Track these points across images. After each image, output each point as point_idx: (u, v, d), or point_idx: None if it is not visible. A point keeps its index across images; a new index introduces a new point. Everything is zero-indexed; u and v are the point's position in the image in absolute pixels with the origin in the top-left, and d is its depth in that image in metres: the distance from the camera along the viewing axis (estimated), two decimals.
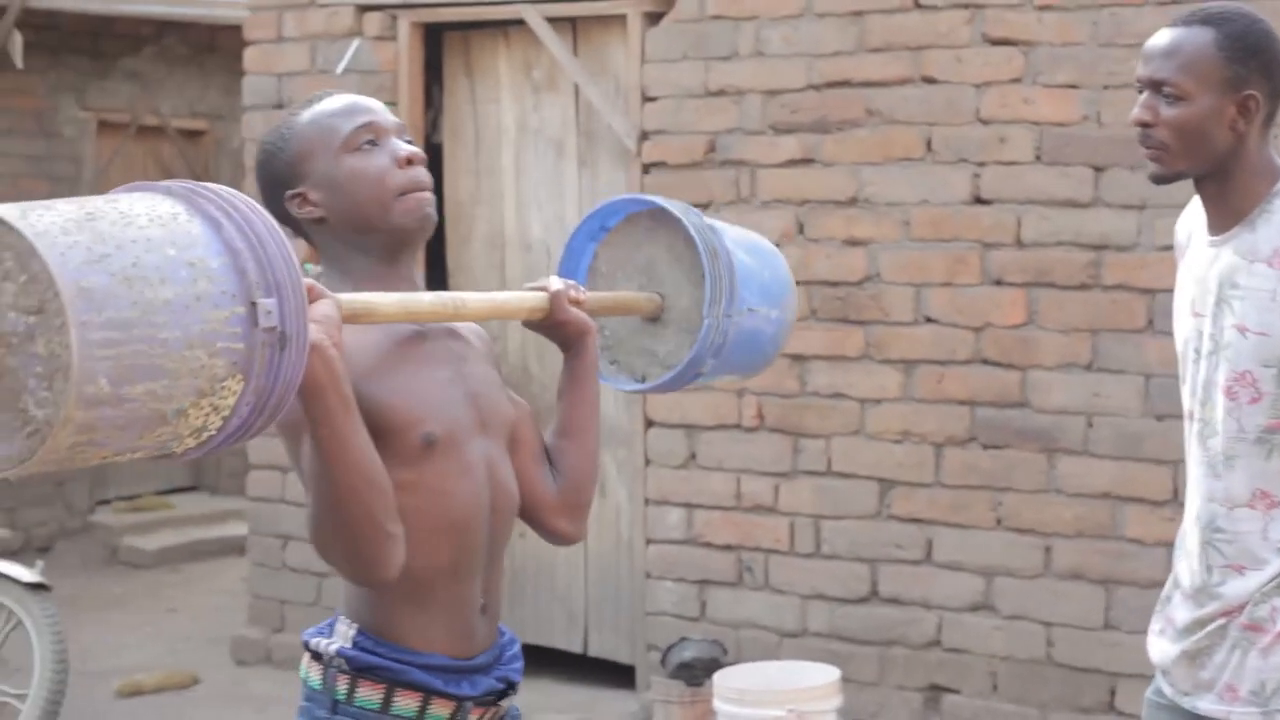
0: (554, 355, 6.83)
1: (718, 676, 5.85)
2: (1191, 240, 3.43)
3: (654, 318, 3.16)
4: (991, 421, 6.24)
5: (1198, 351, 3.31)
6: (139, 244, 2.06)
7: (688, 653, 6.47)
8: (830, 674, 5.68)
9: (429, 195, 2.75)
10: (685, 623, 6.78)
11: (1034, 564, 6.17)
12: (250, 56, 7.94)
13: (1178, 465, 5.88)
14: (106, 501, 11.01)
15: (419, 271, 2.91)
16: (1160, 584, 5.88)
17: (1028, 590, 6.18)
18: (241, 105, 8.05)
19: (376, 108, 2.78)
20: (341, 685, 2.65)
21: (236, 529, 9.95)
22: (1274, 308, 3.16)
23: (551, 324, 2.91)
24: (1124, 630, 5.99)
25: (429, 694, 2.65)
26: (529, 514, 2.90)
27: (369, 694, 2.65)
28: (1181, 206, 3.54)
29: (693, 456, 6.80)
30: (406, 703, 2.65)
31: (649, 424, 6.88)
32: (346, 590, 2.72)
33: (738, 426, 6.70)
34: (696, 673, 6.39)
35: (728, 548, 6.74)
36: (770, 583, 6.65)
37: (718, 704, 5.60)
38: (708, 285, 3.06)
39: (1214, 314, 3.26)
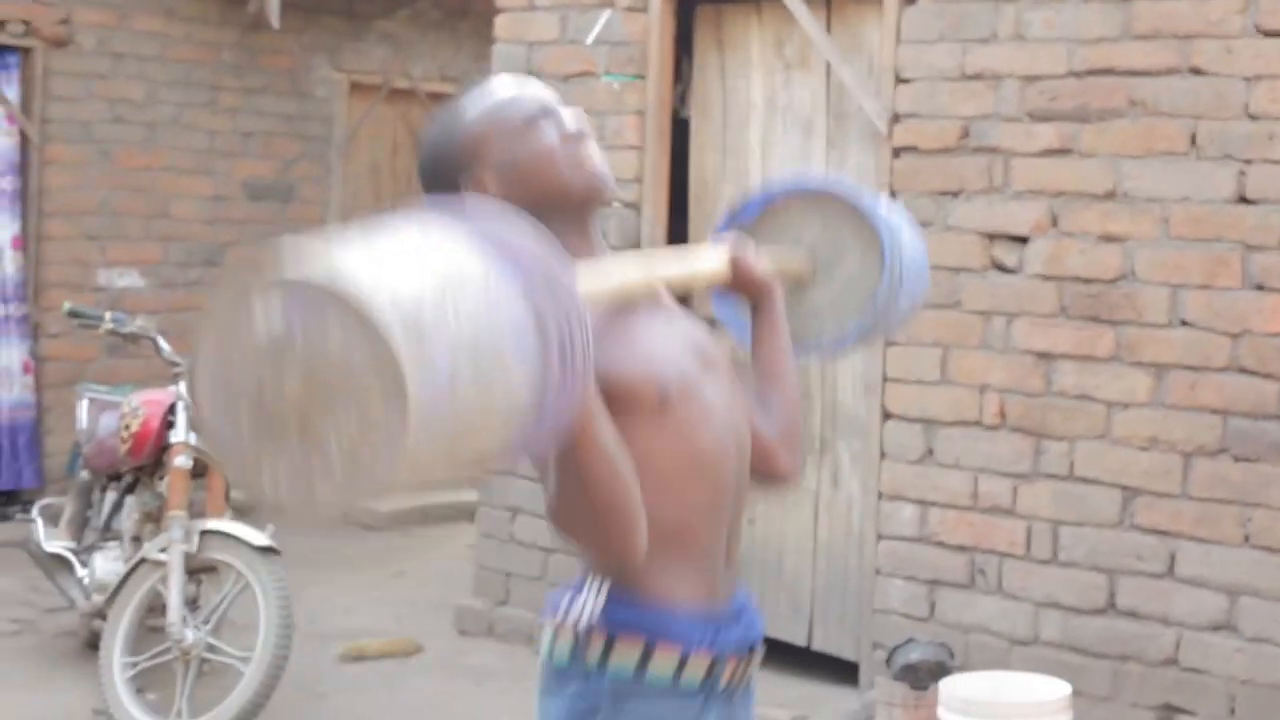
0: None
1: (944, 684, 5.65)
2: None
3: (804, 283, 3.34)
4: (1245, 433, 5.93)
5: None
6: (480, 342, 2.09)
7: (914, 654, 6.28)
8: (1061, 689, 5.43)
9: (597, 157, 2.81)
10: (913, 623, 6.58)
11: None
12: (501, 24, 7.90)
13: None
14: None
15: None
16: None
17: (1274, 612, 5.87)
18: (491, 72, 8.00)
19: (543, 90, 2.86)
20: (594, 649, 2.64)
21: (469, 495, 9.94)
22: None
23: (740, 285, 3.08)
24: None
25: (685, 652, 2.65)
26: (752, 456, 2.93)
27: (625, 654, 2.64)
28: None
29: (930, 452, 6.59)
30: (664, 663, 2.64)
31: (886, 416, 6.69)
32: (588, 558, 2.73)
33: (978, 424, 6.47)
34: (922, 676, 6.20)
35: (961, 548, 6.52)
36: (1003, 587, 6.43)
37: (943, 712, 5.40)
38: (878, 228, 3.28)
39: None
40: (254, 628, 6.30)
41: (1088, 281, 6.24)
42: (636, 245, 7.33)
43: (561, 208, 2.76)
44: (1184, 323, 6.06)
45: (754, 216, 3.40)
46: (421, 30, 11.47)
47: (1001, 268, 6.42)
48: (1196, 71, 6.05)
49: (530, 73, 7.69)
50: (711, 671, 2.68)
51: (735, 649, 2.73)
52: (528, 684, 7.06)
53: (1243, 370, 5.95)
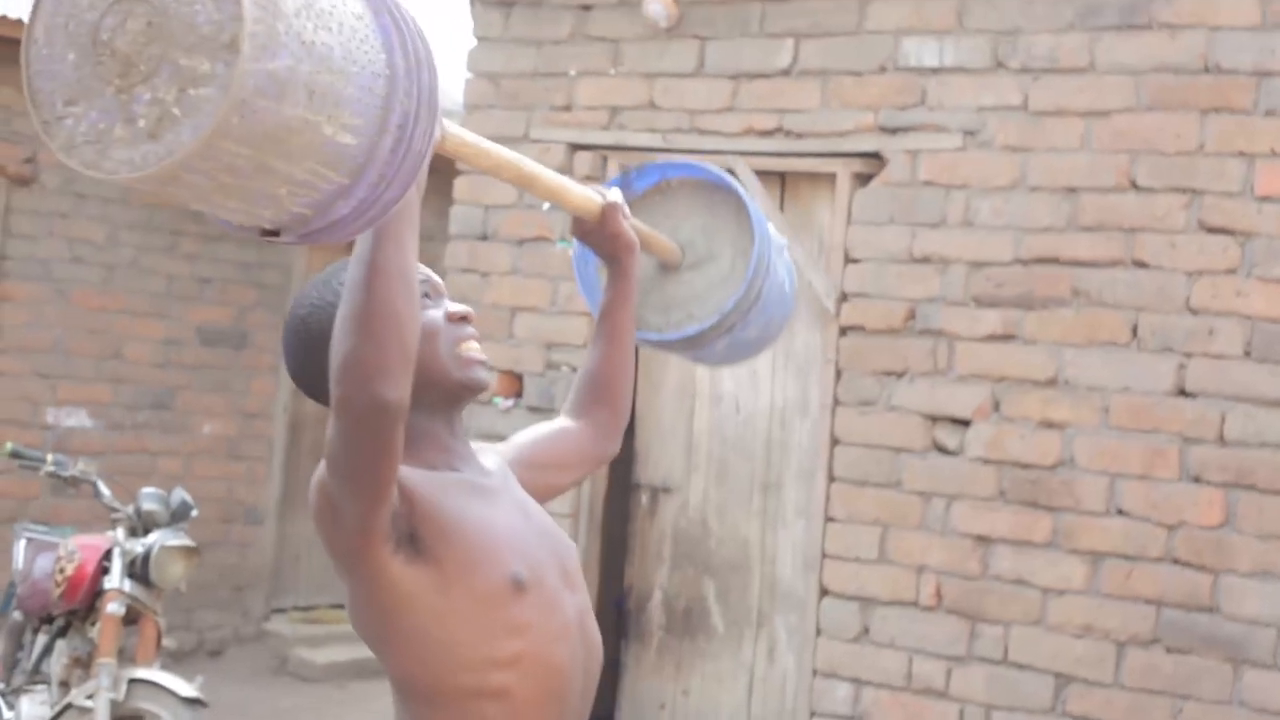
0: (733, 511, 6.68)
1: None
2: None
3: (672, 267, 3.33)
4: (1178, 624, 5.96)
5: None
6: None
7: None
8: None
9: (477, 347, 2.71)
10: None
11: None
12: (460, 186, 7.98)
13: None
14: (283, 610, 11.04)
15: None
16: None
17: None
18: (451, 231, 8.07)
19: (429, 273, 2.74)
20: None
21: None
22: None
23: (604, 234, 3.07)
24: None
25: None
26: (587, 465, 3.04)
27: None
28: None
29: (866, 630, 6.60)
30: None
31: (824, 593, 6.70)
32: None
33: (915, 604, 6.49)
34: None
35: None
36: None
37: None
38: (755, 236, 3.24)
39: None
40: None
41: (1027, 467, 6.29)
42: None
43: (432, 390, 2.65)
44: (1121, 512, 6.10)
45: (645, 188, 3.39)
46: None
47: (943, 449, 6.47)
48: (1140, 264, 6.15)
49: (486, 235, 7.76)
50: None
51: None
52: None
53: (1177, 562, 5.99)
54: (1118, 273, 6.19)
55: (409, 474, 2.54)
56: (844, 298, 6.75)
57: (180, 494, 6.70)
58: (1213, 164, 6.04)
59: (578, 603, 2.68)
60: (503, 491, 2.69)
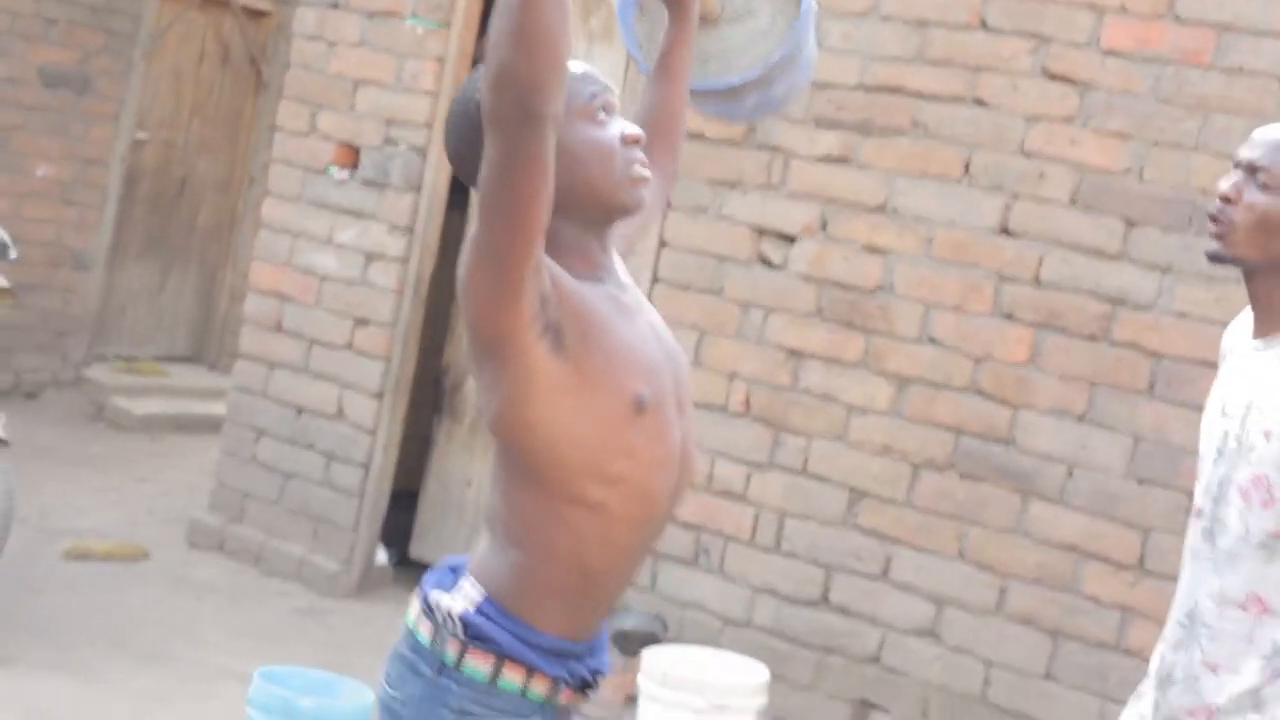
0: None
1: (647, 653, 5.81)
2: (1236, 342, 3.44)
3: (711, 20, 3.36)
4: (973, 453, 6.18)
5: (1220, 451, 3.30)
6: None
7: (627, 622, 6.45)
8: (760, 674, 5.63)
9: (650, 177, 2.76)
10: (634, 591, 6.74)
11: (987, 601, 6.12)
12: None
13: (1149, 532, 5.84)
14: (104, 359, 11.00)
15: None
16: (1107, 646, 5.88)
17: (975, 626, 6.13)
18: None
19: (609, 84, 2.78)
20: (452, 650, 2.64)
21: (223, 409, 9.91)
22: None
23: None
24: (1063, 684, 5.95)
25: (530, 672, 2.65)
26: (656, 215, 3.15)
27: (479, 664, 2.64)
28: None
29: None
30: (513, 677, 2.64)
31: None
32: (487, 552, 2.71)
33: (723, 409, 6.64)
34: (632, 643, 6.37)
35: (689, 526, 6.69)
36: (724, 569, 6.62)
37: (641, 679, 5.56)
38: (802, 17, 3.32)
39: (1243, 415, 3.26)
40: None
41: (846, 288, 6.43)
42: (418, 190, 7.39)
43: (593, 206, 2.71)
44: (932, 340, 6.28)
45: None
46: None
47: (767, 263, 6.59)
48: (980, 103, 6.27)
49: (337, 4, 7.71)
50: (553, 692, 2.67)
51: (578, 682, 2.74)
52: (248, 604, 7.14)
53: (980, 393, 6.18)
54: (958, 109, 6.31)
55: (561, 272, 2.63)
56: None
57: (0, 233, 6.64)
58: (1063, 13, 6.14)
59: (685, 428, 2.79)
60: (640, 310, 2.78)
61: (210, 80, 11.37)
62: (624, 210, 2.73)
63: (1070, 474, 6.00)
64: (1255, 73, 5.79)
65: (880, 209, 6.40)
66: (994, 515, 6.13)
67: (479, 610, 2.64)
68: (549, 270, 2.59)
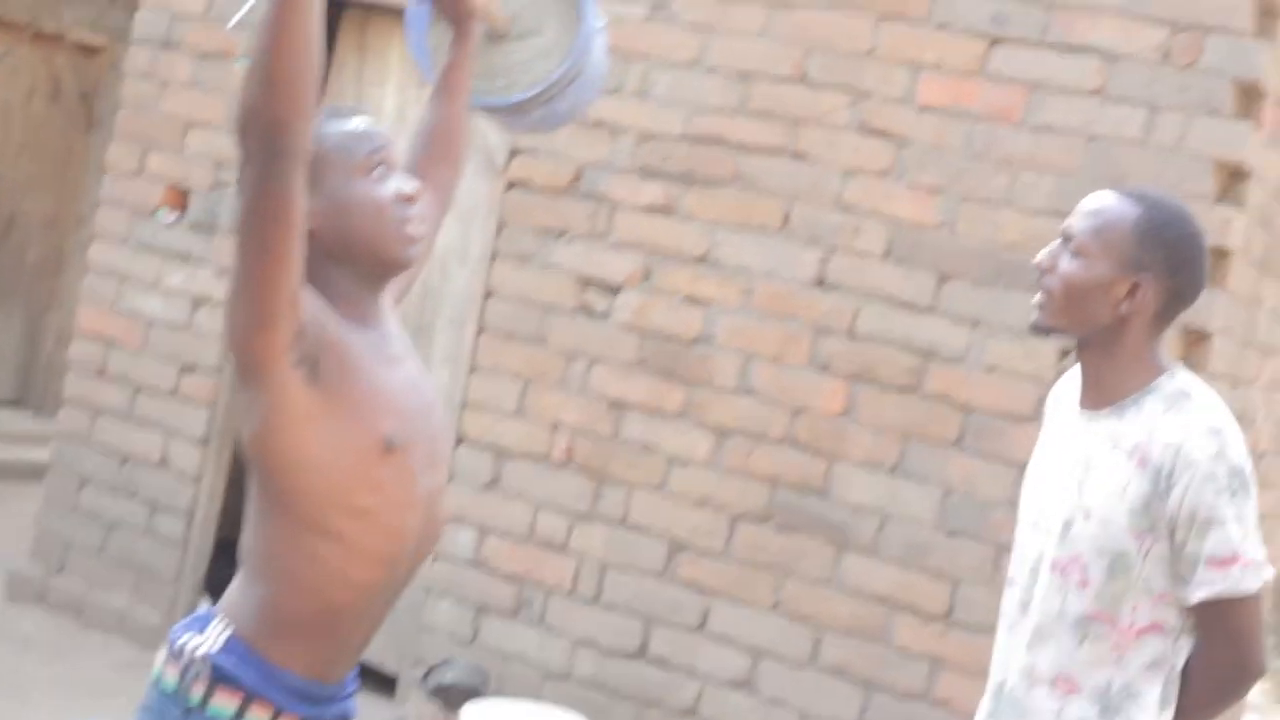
0: None
1: (468, 708, 5.79)
2: (1060, 406, 3.43)
3: (499, 36, 3.44)
4: (790, 505, 6.21)
5: (1036, 525, 3.31)
6: None
7: (449, 675, 6.42)
8: None
9: (420, 227, 2.86)
10: (457, 644, 6.72)
11: (802, 653, 6.15)
12: None
13: (958, 583, 5.90)
14: None
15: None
16: (916, 696, 5.93)
17: (791, 678, 6.16)
18: (135, 35, 7.91)
19: (389, 140, 2.87)
20: (197, 691, 2.67)
21: (42, 454, 9.71)
22: (1121, 501, 3.15)
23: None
24: None
25: (278, 711, 2.69)
26: (434, 233, 3.20)
27: (225, 703, 2.68)
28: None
29: (496, 480, 6.74)
30: (260, 715, 2.68)
31: (460, 439, 6.81)
32: (235, 590, 2.76)
33: (546, 459, 6.64)
34: (454, 696, 6.34)
35: (512, 578, 6.68)
36: (546, 621, 6.61)
37: None
38: (582, 14, 3.42)
39: (1063, 488, 3.25)
40: None
41: (668, 338, 6.46)
42: None
43: (366, 260, 2.80)
44: (750, 391, 6.31)
45: None
46: None
47: (591, 312, 6.61)
48: (799, 156, 6.32)
49: (169, 43, 7.65)
50: None
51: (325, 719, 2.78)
52: (72, 657, 7.02)
53: (796, 444, 6.22)
54: (778, 161, 6.36)
55: (325, 310, 2.72)
56: (514, 153, 6.82)
57: None
58: (881, 69, 6.22)
59: (433, 483, 2.87)
60: (403, 361, 2.86)
61: (40, 116, 11.22)
62: (396, 266, 2.83)
63: (882, 526, 6.05)
64: (1063, 131, 5.88)
65: (702, 259, 6.44)
66: (809, 566, 6.16)
67: (226, 649, 2.69)
68: (311, 306, 2.67)
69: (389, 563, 2.77)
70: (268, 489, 2.71)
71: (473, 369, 6.79)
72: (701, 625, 6.33)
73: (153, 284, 7.56)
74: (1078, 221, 3.26)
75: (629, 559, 6.47)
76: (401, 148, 3.01)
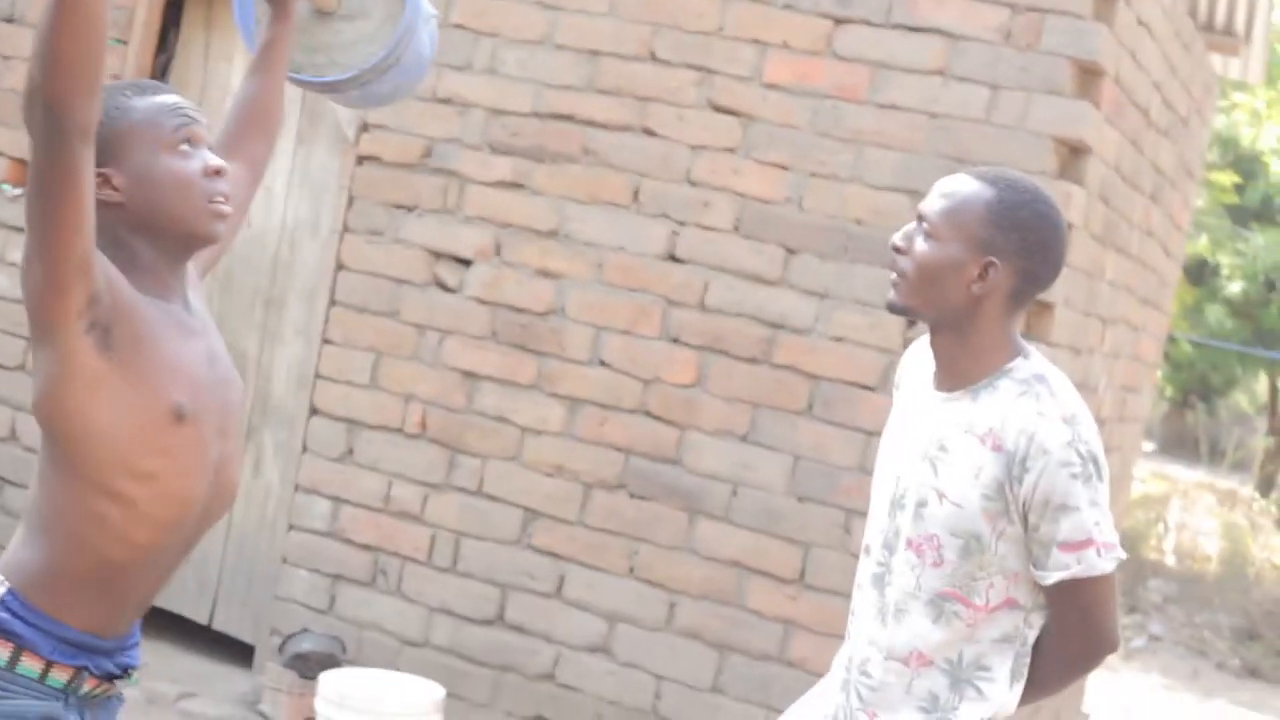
0: (233, 323, 6.75)
1: (324, 676, 5.87)
2: (912, 380, 3.47)
3: (325, 13, 3.51)
4: (643, 473, 6.37)
5: (893, 501, 3.34)
6: None
7: (305, 644, 6.50)
8: (435, 693, 5.74)
9: (230, 209, 2.90)
10: (313, 613, 6.79)
11: (657, 617, 6.31)
12: None
13: (809, 547, 6.08)
14: None
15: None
16: (771, 658, 6.12)
17: (646, 641, 6.32)
18: None
19: (198, 114, 2.90)
20: None
21: None
22: (974, 484, 3.19)
23: None
24: (729, 696, 6.18)
25: (49, 663, 2.74)
26: (246, 209, 3.24)
27: None
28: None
29: (350, 452, 6.81)
30: (32, 665, 2.72)
31: (313, 412, 6.88)
32: (17, 545, 2.79)
33: (400, 431, 6.73)
34: (311, 665, 6.42)
35: (367, 547, 6.77)
36: (402, 589, 6.70)
37: (318, 703, 5.63)
38: (407, 4, 3.47)
39: (917, 468, 3.29)
40: None
41: (520, 311, 6.57)
42: None
43: (171, 234, 2.84)
44: (602, 363, 6.45)
45: None
46: None
47: (443, 286, 6.70)
48: (649, 132, 6.46)
49: (13, 18, 7.60)
50: (75, 680, 2.77)
51: (103, 674, 2.83)
52: None
53: (648, 414, 6.37)
54: (627, 138, 6.49)
55: (121, 279, 2.75)
56: (365, 128, 6.88)
57: None
58: (728, 47, 6.37)
59: (225, 452, 2.91)
60: (201, 335, 2.90)
61: None
62: (202, 241, 2.88)
63: (735, 492, 6.23)
64: (906, 109, 6.08)
65: (553, 234, 6.56)
66: (663, 533, 6.32)
67: (2, 604, 2.73)
68: (106, 273, 2.71)
69: (172, 526, 2.82)
70: (54, 449, 2.75)
71: (325, 341, 6.86)
72: (557, 591, 6.47)
73: None
74: (931, 203, 3.28)
75: (484, 528, 6.58)
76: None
